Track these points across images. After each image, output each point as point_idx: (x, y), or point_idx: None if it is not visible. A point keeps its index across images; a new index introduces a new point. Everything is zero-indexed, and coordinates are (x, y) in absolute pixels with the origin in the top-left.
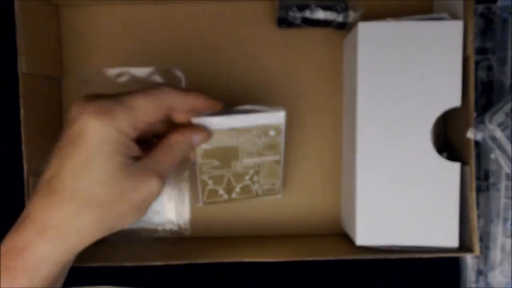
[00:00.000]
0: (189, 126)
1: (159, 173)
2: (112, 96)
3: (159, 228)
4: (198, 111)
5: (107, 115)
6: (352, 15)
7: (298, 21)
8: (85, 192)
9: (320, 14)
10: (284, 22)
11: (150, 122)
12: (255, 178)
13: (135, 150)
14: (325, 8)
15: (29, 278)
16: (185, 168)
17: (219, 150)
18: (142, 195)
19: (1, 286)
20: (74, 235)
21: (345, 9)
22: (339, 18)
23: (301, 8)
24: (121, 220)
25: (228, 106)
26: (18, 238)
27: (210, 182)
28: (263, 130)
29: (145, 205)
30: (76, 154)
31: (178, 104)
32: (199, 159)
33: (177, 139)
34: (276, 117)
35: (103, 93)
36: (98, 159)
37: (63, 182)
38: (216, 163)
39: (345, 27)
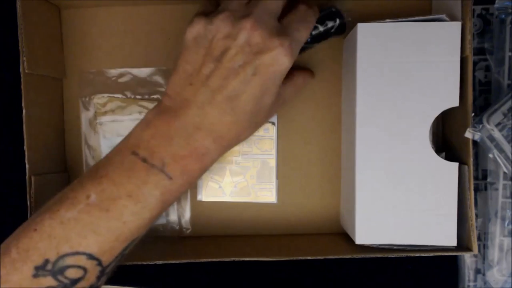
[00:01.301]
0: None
1: (284, 103)
2: (287, 31)
3: (160, 227)
4: None
5: (293, 55)
6: (347, 16)
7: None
8: (256, 116)
9: (320, 28)
10: None
11: None
12: (252, 178)
13: None
14: (320, 20)
15: (199, 177)
16: None
17: None
18: (272, 115)
19: (182, 183)
20: (235, 144)
21: (338, 13)
22: (337, 22)
23: None
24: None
25: None
26: (197, 145)
27: (211, 175)
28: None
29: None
30: (262, 84)
31: None
32: None
33: (303, 78)
34: None
35: (259, 9)
36: (272, 90)
37: (245, 106)
38: None
39: (345, 29)
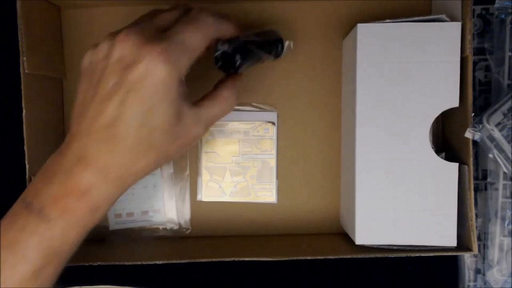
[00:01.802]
0: (233, 76)
1: (208, 123)
2: (165, 35)
3: (160, 227)
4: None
5: (171, 62)
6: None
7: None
8: (146, 139)
9: (260, 54)
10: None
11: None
12: (252, 178)
13: (186, 90)
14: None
15: (92, 217)
16: (185, 168)
17: (221, 141)
18: (189, 140)
19: (65, 227)
20: (133, 177)
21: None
22: (279, 47)
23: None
24: (167, 160)
25: None
26: (77, 180)
27: (211, 175)
28: (259, 126)
29: (186, 147)
30: (139, 102)
31: (219, 34)
32: (203, 149)
33: (232, 92)
34: (270, 116)
35: (145, 23)
36: (161, 107)
37: (126, 130)
38: (217, 154)
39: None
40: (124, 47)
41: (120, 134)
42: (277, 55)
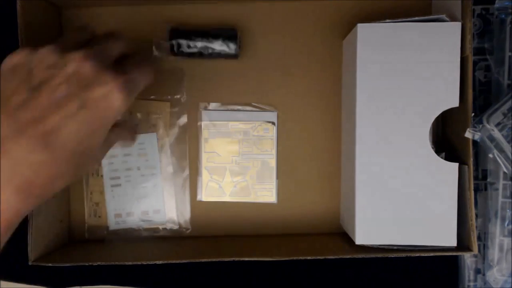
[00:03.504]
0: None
1: (109, 147)
2: (123, 70)
3: (160, 227)
4: None
5: (128, 95)
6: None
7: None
8: (79, 157)
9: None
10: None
11: None
12: (252, 178)
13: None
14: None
15: (5, 239)
16: (185, 168)
17: (221, 141)
18: (97, 163)
19: None
20: (50, 192)
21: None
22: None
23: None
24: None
25: (230, 105)
26: None
27: (211, 175)
28: (259, 126)
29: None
30: (89, 121)
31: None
32: (203, 149)
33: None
34: (270, 116)
35: (96, 48)
36: (102, 130)
37: (66, 143)
38: (217, 154)
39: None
40: (83, 66)
41: (58, 146)
42: (232, 44)
